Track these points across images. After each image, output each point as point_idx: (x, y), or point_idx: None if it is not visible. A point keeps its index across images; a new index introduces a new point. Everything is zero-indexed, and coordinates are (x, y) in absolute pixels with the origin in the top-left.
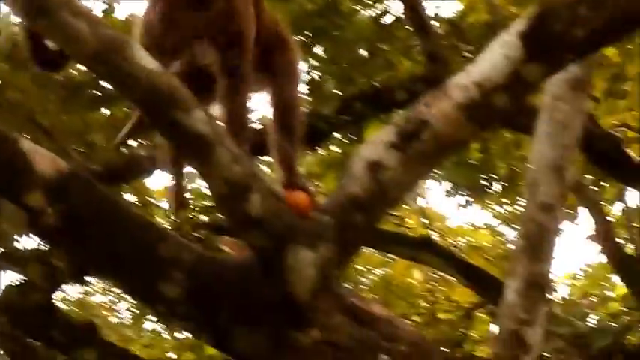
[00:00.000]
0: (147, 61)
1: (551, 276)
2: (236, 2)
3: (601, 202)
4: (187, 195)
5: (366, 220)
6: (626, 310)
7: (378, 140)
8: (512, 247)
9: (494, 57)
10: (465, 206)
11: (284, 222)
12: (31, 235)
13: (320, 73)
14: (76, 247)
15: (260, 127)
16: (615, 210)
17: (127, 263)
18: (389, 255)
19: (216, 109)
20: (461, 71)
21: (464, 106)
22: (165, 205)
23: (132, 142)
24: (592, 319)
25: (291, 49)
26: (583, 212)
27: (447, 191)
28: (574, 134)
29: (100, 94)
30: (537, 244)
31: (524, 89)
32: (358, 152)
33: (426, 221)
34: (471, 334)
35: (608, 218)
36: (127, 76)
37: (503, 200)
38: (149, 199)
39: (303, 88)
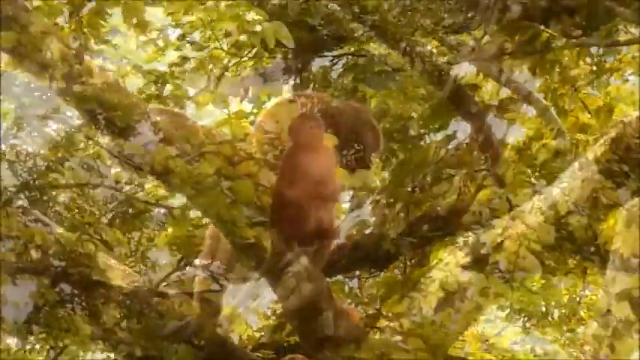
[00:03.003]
0: None
1: None
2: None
3: None
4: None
5: None
6: None
7: (451, 262)
8: None
9: (572, 180)
10: (525, 332)
11: (356, 340)
12: None
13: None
14: None
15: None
16: None
17: None
18: None
19: None
20: (537, 195)
21: (539, 229)
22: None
23: None
24: None
25: None
26: None
27: (506, 315)
28: None
29: None
30: None
31: (601, 213)
32: (432, 273)
33: (487, 347)
34: None
35: None
36: None
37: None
38: None
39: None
